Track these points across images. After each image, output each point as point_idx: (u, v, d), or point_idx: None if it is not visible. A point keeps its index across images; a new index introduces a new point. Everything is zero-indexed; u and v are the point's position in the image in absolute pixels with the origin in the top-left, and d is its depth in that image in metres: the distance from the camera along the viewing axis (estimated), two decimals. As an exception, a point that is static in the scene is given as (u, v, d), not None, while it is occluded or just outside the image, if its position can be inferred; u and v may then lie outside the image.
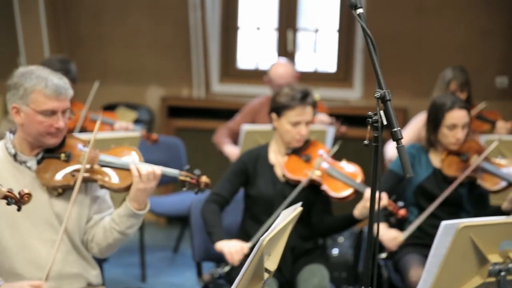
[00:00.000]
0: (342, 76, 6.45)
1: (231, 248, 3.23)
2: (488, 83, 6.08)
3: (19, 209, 2.44)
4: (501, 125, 4.73)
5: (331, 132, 4.59)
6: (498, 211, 3.53)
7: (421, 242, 3.65)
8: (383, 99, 1.73)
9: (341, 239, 5.63)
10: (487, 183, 3.59)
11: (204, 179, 2.94)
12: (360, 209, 3.32)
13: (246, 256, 3.20)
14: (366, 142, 1.76)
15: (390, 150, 4.63)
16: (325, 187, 3.42)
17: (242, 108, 5.24)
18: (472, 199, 3.70)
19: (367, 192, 3.32)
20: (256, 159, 3.54)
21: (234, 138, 5.00)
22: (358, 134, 5.59)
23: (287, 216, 2.11)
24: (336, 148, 3.55)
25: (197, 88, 6.56)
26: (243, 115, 5.12)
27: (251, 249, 3.22)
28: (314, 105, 3.51)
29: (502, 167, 3.61)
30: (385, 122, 1.72)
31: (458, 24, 6.09)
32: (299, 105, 3.43)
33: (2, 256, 2.77)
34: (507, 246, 2.74)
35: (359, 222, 3.39)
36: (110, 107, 6.55)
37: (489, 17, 6.03)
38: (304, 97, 3.44)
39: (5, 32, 6.56)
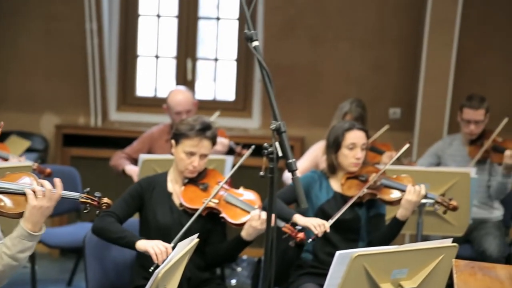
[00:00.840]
0: (241, 105, 6.50)
1: (156, 249, 3.18)
2: (382, 114, 6.26)
3: None
4: (387, 154, 4.89)
5: (229, 161, 4.61)
6: (394, 225, 3.64)
7: (316, 272, 3.69)
8: (278, 131, 1.74)
9: (239, 268, 5.64)
10: (386, 196, 3.71)
11: (106, 200, 2.87)
12: (247, 229, 3.34)
13: None
14: (261, 173, 1.76)
15: (289, 177, 4.70)
16: (223, 214, 3.42)
17: (141, 135, 5.18)
18: (370, 222, 3.79)
19: (254, 212, 3.35)
20: (154, 186, 3.50)
21: (130, 162, 4.93)
22: (256, 163, 5.62)
23: (183, 247, 2.08)
24: (232, 171, 3.55)
25: (94, 116, 6.45)
26: (140, 141, 5.06)
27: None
28: (214, 140, 3.51)
29: (399, 180, 3.74)
30: (280, 154, 1.72)
31: (353, 56, 6.26)
32: (196, 136, 3.43)
33: None
34: (398, 274, 2.81)
35: (248, 243, 3.39)
36: (1, 136, 6.33)
37: (382, 51, 6.23)
38: (203, 130, 3.44)
39: None
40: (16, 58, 6.39)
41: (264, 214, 3.31)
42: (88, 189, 2.87)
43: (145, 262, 3.37)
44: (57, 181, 2.72)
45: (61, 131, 6.41)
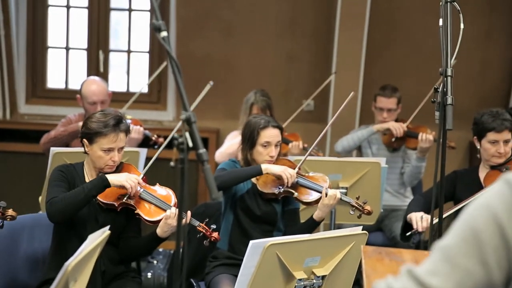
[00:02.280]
0: (155, 97, 6.45)
1: (130, 181, 3.28)
2: (296, 106, 6.33)
3: None
4: (293, 144, 4.98)
5: (143, 153, 4.56)
6: (309, 225, 3.69)
7: (232, 262, 3.70)
8: (188, 121, 1.74)
9: (155, 261, 5.60)
10: (303, 197, 3.73)
11: (10, 212, 2.80)
12: (162, 227, 3.33)
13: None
14: (172, 163, 1.75)
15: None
16: (138, 211, 3.39)
17: (60, 121, 5.04)
18: (284, 217, 3.82)
19: (169, 210, 3.35)
20: (73, 176, 3.42)
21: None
22: (171, 155, 5.61)
23: (94, 240, 2.05)
24: (147, 167, 3.53)
25: (2, 109, 6.27)
26: (61, 125, 4.95)
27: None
28: (127, 131, 3.46)
29: (314, 180, 3.78)
30: (190, 144, 1.72)
31: (266, 48, 6.31)
32: (112, 132, 3.36)
33: None
34: (310, 262, 2.86)
35: (163, 240, 3.38)
36: None
37: (294, 44, 6.30)
38: (117, 124, 3.37)
39: None
40: None
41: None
42: None
43: (62, 252, 3.29)
44: None
45: (-31, 125, 6.22)
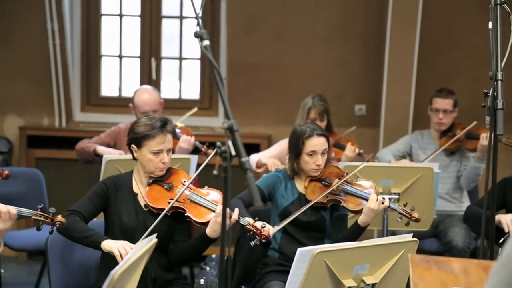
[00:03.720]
0: (207, 104, 6.49)
1: (121, 250, 3.16)
2: (348, 111, 6.30)
3: None
4: (349, 148, 4.95)
5: (194, 160, 4.59)
6: (354, 230, 3.66)
7: (282, 269, 3.69)
8: (230, 129, 1.74)
9: (208, 268, 5.63)
10: (350, 205, 3.70)
11: (59, 218, 2.84)
12: (211, 226, 3.31)
13: None
14: (215, 172, 1.76)
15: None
16: (188, 214, 3.40)
17: (109, 128, 5.14)
18: (332, 222, 3.79)
19: (218, 208, 3.34)
20: (119, 186, 3.47)
21: None
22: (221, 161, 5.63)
23: (140, 248, 2.07)
24: (196, 173, 3.53)
25: (59, 117, 6.40)
26: (108, 134, 5.04)
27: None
28: (174, 132, 3.49)
29: (361, 187, 3.74)
30: (233, 153, 1.72)
31: (316, 53, 6.28)
32: (159, 134, 3.40)
33: None
34: (360, 270, 2.83)
35: (213, 241, 3.36)
36: (-36, 139, 6.28)
37: (345, 48, 6.26)
38: (164, 125, 3.42)
39: None
40: (-22, 60, 6.32)
41: (228, 210, 3.30)
42: (41, 205, 2.83)
43: (110, 263, 3.34)
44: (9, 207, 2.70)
45: (25, 133, 6.35)
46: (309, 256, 2.66)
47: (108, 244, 3.21)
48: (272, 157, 4.95)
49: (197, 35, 1.80)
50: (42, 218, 2.80)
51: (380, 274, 2.89)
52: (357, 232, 3.64)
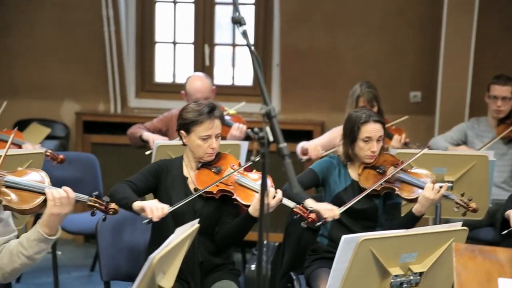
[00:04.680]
0: (260, 90, 6.47)
1: (152, 206, 3.18)
2: (403, 98, 6.21)
3: None
4: (395, 138, 4.87)
5: (245, 146, 4.60)
6: (408, 219, 3.60)
7: (331, 256, 3.64)
8: (268, 115, 1.73)
9: (259, 253, 5.64)
10: (404, 193, 3.65)
11: (113, 205, 2.88)
12: (254, 204, 3.30)
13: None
14: (253, 158, 1.74)
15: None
16: (236, 196, 3.41)
17: (162, 114, 5.19)
18: (385, 210, 3.75)
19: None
20: (170, 169, 3.50)
21: None
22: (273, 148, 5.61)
23: (182, 232, 2.07)
24: (249, 163, 3.52)
25: (114, 103, 6.48)
26: (160, 119, 5.09)
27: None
28: (222, 118, 3.50)
29: (417, 176, 3.69)
30: (271, 139, 1.71)
31: (370, 40, 6.20)
32: (207, 119, 3.41)
33: None
34: (407, 258, 2.79)
35: (256, 220, 3.32)
36: (23, 123, 6.40)
37: (400, 34, 6.17)
38: (212, 111, 3.43)
39: None
40: (34, 47, 6.43)
41: (273, 190, 3.29)
42: (96, 193, 2.88)
43: (160, 244, 3.36)
44: (66, 188, 2.75)
45: (81, 118, 6.46)
46: (354, 244, 2.63)
47: (139, 204, 3.22)
48: (324, 142, 4.91)
49: (235, 20, 1.79)
50: (96, 205, 2.84)
51: (428, 262, 2.84)
52: (411, 221, 3.59)
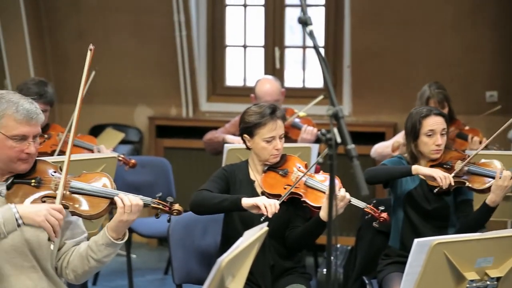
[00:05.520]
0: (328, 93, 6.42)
1: (265, 202, 3.17)
2: (478, 98, 6.06)
3: None
4: (474, 140, 4.73)
5: (315, 148, 4.56)
6: (483, 212, 3.53)
7: (404, 260, 3.58)
8: (336, 116, 1.70)
9: (331, 257, 5.60)
10: (475, 184, 3.58)
11: (177, 206, 2.89)
12: (324, 208, 3.27)
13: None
14: (320, 159, 1.72)
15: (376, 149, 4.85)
16: (305, 199, 3.38)
17: (233, 118, 5.21)
18: (457, 208, 3.67)
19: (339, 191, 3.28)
20: (237, 174, 3.50)
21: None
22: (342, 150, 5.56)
23: (250, 236, 2.06)
24: (315, 162, 3.49)
25: (186, 107, 6.54)
26: (233, 124, 5.10)
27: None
28: (284, 118, 3.48)
29: (486, 166, 3.60)
30: (339, 140, 1.68)
31: (444, 39, 6.07)
32: (270, 121, 3.40)
33: None
34: (483, 263, 2.70)
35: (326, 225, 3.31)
36: (98, 128, 6.54)
37: (474, 33, 6.02)
38: (273, 112, 3.41)
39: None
40: (108, 52, 6.54)
41: (343, 191, 3.25)
42: (160, 194, 2.89)
43: (230, 246, 3.36)
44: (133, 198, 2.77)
45: (154, 123, 6.55)
46: (427, 247, 2.57)
47: (249, 199, 3.22)
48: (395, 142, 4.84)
49: (301, 21, 1.76)
50: (160, 207, 2.84)
51: (506, 267, 2.75)
52: (487, 214, 3.52)
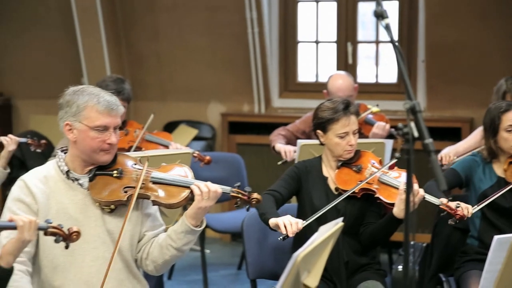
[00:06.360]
0: (404, 85, 6.33)
1: (285, 221, 3.17)
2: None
3: (66, 247, 2.48)
4: None
5: (389, 144, 4.51)
6: None
7: (482, 258, 3.51)
8: (413, 110, 1.67)
9: (406, 254, 5.52)
10: None
11: (255, 195, 2.91)
12: (398, 205, 3.22)
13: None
14: (397, 154, 1.70)
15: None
16: (379, 195, 3.35)
17: (304, 114, 5.20)
18: None
19: (403, 185, 3.22)
20: (309, 170, 3.50)
21: (290, 140, 4.97)
22: (419, 146, 5.47)
23: (326, 231, 2.05)
24: (393, 161, 3.44)
25: (258, 103, 6.57)
26: (303, 121, 5.09)
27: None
28: (357, 113, 3.47)
29: None
30: (416, 134, 1.65)
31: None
32: (343, 116, 3.39)
33: (53, 274, 2.78)
34: None
35: (401, 222, 3.24)
36: (171, 125, 6.63)
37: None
38: (347, 107, 3.40)
39: (69, 54, 6.74)
40: (182, 50, 6.63)
41: (416, 187, 3.20)
42: (238, 184, 2.92)
43: (303, 243, 3.36)
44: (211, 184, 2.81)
45: (227, 119, 6.59)
46: (508, 245, 2.52)
47: (274, 219, 3.21)
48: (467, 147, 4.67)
49: (377, 14, 1.74)
50: (239, 195, 2.87)
51: None
52: None
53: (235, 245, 6.46)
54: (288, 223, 3.16)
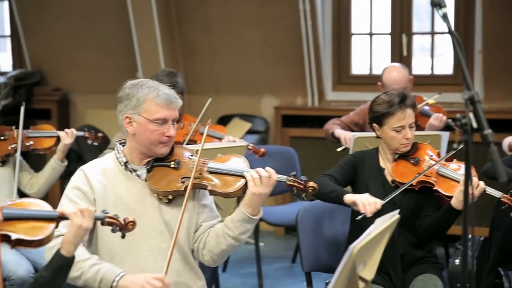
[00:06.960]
0: (461, 79, 6.23)
1: (364, 200, 3.14)
2: None
3: (123, 236, 2.53)
4: None
5: (446, 136, 4.45)
6: None
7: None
8: (472, 101, 1.64)
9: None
10: None
11: (312, 183, 2.90)
12: (457, 196, 3.18)
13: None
14: (456, 146, 1.67)
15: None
16: (437, 188, 3.31)
17: (359, 106, 5.17)
18: None
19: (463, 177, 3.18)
20: (366, 160, 3.48)
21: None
22: (477, 138, 5.38)
23: (382, 223, 2.04)
24: (451, 153, 3.39)
25: (311, 97, 6.54)
26: (357, 113, 5.06)
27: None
28: (414, 106, 3.41)
29: None
30: (475, 125, 1.62)
31: None
32: (398, 110, 3.35)
33: (111, 263, 2.81)
34: None
35: (459, 213, 3.20)
36: (225, 119, 6.65)
37: None
38: (402, 100, 3.36)
39: (124, 49, 6.83)
40: (235, 44, 6.64)
41: (476, 179, 3.16)
42: (294, 173, 2.92)
43: (359, 235, 3.34)
44: (269, 169, 2.81)
45: (280, 112, 6.59)
46: None
47: (350, 196, 3.20)
48: None
49: (434, 3, 1.72)
50: (296, 184, 2.87)
51: None
52: None
53: (289, 238, 6.47)
54: (367, 202, 3.13)
